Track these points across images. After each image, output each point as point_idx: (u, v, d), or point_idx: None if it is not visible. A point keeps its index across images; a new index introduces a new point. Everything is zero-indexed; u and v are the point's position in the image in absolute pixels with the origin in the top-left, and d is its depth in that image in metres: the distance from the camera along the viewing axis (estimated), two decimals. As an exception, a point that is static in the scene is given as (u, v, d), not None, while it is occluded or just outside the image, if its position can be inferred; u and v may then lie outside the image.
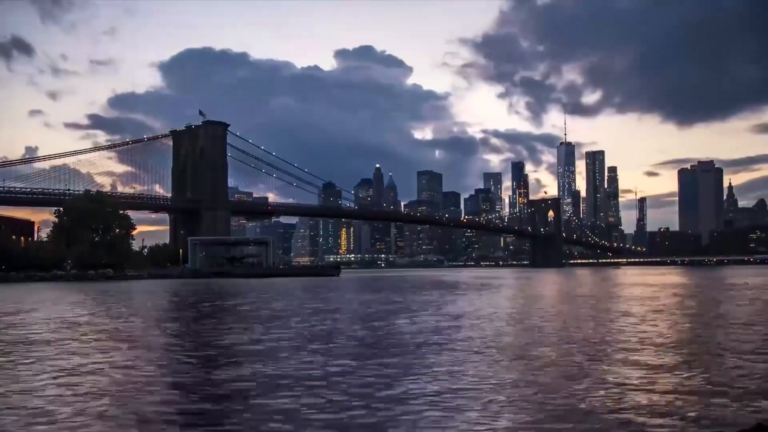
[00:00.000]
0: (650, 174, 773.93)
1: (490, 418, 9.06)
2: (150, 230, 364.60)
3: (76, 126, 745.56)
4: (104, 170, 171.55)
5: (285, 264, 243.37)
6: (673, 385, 11.20)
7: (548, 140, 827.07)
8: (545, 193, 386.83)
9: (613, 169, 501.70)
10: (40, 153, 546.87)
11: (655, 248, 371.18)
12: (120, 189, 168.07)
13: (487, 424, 8.79)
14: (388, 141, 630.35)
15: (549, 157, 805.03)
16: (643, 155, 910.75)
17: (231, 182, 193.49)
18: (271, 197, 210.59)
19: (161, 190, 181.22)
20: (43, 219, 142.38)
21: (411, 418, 9.10)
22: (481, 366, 13.43)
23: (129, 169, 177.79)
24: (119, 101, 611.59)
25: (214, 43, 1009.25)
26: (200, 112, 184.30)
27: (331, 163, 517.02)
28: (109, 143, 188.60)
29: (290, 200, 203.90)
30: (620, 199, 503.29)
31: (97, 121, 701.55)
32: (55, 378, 12.35)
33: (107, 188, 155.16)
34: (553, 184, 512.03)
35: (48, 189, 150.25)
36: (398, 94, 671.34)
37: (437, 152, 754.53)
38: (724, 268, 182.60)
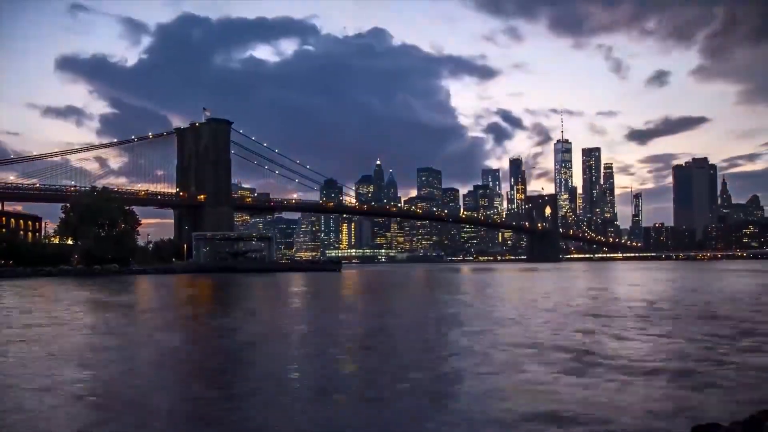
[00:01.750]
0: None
1: None
2: (154, 223, 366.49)
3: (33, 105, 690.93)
4: (109, 167, 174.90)
5: (287, 259, 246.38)
6: (670, 379, 11.68)
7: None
8: (542, 189, 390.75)
9: (609, 166, 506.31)
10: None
11: (650, 243, 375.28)
12: (125, 186, 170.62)
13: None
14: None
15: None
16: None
17: (234, 180, 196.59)
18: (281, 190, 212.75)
19: (164, 184, 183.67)
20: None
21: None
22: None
23: (133, 165, 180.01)
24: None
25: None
26: (204, 109, 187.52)
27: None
28: (115, 141, 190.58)
29: (293, 196, 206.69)
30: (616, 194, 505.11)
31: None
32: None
33: (112, 184, 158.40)
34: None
35: (54, 185, 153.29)
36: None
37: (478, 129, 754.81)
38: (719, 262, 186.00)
